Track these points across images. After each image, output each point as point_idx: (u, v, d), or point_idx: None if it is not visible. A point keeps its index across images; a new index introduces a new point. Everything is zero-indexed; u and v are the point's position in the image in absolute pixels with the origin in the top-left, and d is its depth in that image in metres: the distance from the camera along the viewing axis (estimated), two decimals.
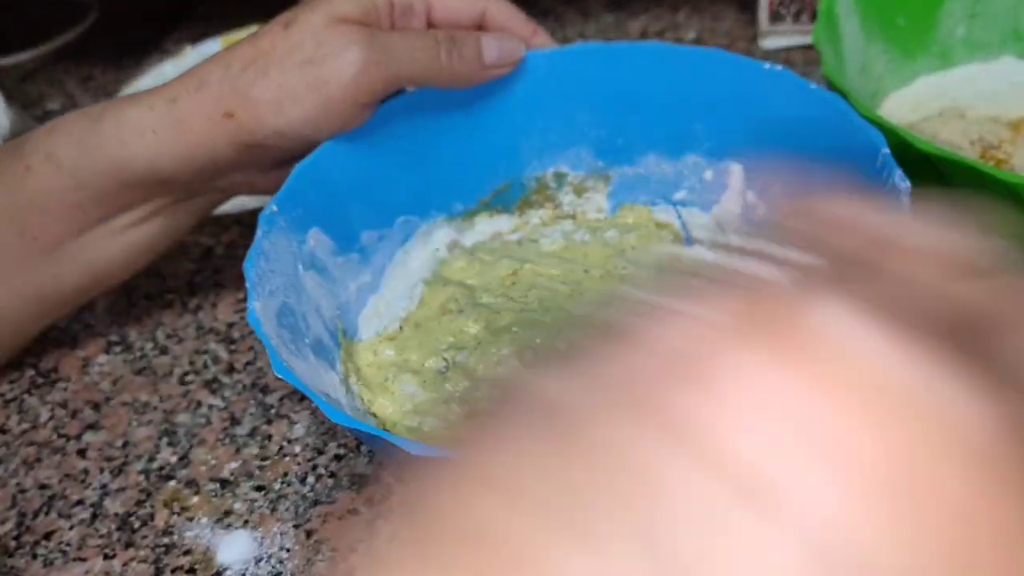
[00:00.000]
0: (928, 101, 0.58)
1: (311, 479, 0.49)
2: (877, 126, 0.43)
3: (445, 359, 0.48)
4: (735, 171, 0.52)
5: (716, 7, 0.86)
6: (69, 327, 0.62)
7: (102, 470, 0.51)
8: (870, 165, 0.42)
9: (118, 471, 0.51)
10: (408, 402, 0.46)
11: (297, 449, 0.50)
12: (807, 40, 0.76)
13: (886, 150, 0.41)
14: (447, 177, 0.55)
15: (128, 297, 0.64)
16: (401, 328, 0.51)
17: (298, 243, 0.47)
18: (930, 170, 0.43)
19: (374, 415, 0.46)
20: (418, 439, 0.44)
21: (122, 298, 0.64)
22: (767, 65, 0.48)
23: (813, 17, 0.74)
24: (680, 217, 0.55)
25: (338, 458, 0.49)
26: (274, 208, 0.46)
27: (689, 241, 0.55)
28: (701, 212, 0.54)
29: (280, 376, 0.36)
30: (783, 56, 0.77)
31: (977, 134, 0.50)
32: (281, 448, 0.51)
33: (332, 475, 0.49)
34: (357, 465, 0.49)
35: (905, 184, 0.39)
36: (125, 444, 0.53)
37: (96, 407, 0.55)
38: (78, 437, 0.54)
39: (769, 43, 0.77)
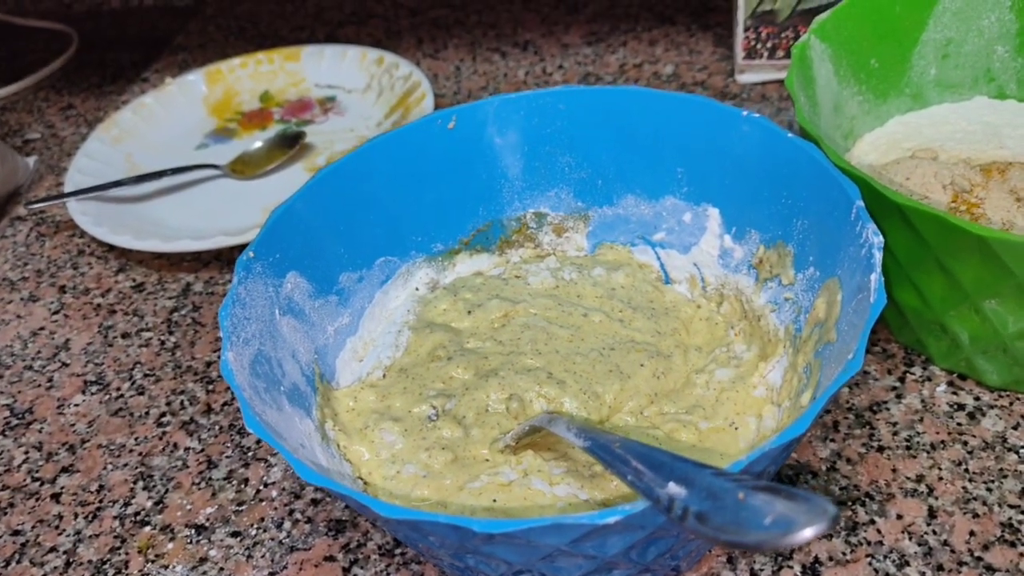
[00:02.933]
0: (902, 142, 0.58)
1: (287, 524, 0.48)
2: (850, 176, 0.44)
3: (434, 406, 0.48)
4: (713, 215, 0.52)
5: (693, 42, 0.87)
6: (45, 367, 0.61)
7: (76, 515, 0.51)
8: (844, 216, 0.42)
9: (93, 516, 0.51)
10: (386, 450, 0.46)
11: (274, 493, 0.50)
12: (782, 75, 0.77)
13: (860, 202, 0.41)
14: (427, 218, 0.55)
15: (105, 336, 0.63)
16: (384, 375, 0.51)
17: (275, 288, 0.47)
18: (901, 217, 0.43)
19: (350, 462, 0.45)
20: (393, 488, 0.44)
21: (99, 336, 0.63)
22: (745, 112, 0.49)
23: (788, 54, 0.75)
24: (659, 258, 0.56)
25: (315, 502, 0.49)
26: (251, 254, 0.45)
27: (668, 281, 0.55)
28: (680, 254, 0.55)
29: (251, 430, 0.36)
30: (759, 91, 0.78)
31: (949, 178, 0.51)
32: (258, 492, 0.50)
33: (309, 520, 0.48)
34: (334, 510, 0.49)
35: (878, 239, 0.39)
36: (100, 488, 0.52)
37: (72, 449, 0.55)
38: (53, 481, 0.53)
39: (745, 78, 0.78)
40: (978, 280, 0.43)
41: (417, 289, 0.56)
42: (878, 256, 0.39)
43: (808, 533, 0.25)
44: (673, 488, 0.30)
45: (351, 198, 0.52)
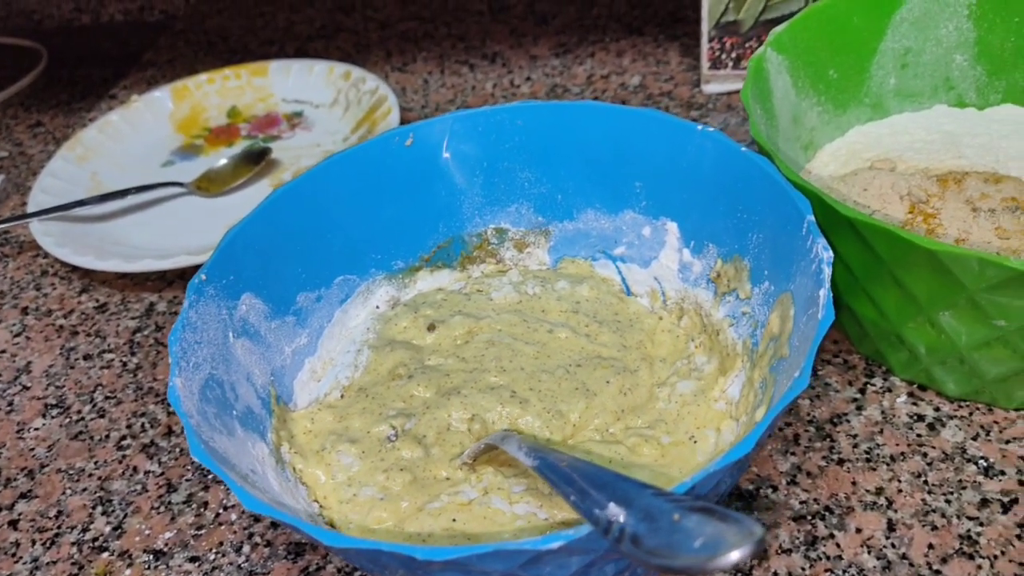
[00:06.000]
0: (862, 152, 0.58)
1: (247, 548, 0.48)
2: (802, 190, 0.44)
3: (394, 426, 0.48)
4: (671, 228, 0.52)
5: (661, 52, 0.87)
6: (5, 390, 0.61)
7: (34, 542, 0.50)
8: (796, 230, 0.42)
9: (50, 543, 0.50)
10: (343, 473, 0.46)
11: (233, 516, 0.50)
12: None
13: (811, 217, 0.41)
14: (387, 235, 0.55)
15: (67, 358, 0.63)
16: (342, 395, 0.51)
17: (229, 310, 0.46)
18: (854, 231, 0.43)
19: (306, 485, 0.45)
20: (349, 512, 0.44)
21: (61, 358, 0.63)
22: (700, 127, 0.49)
23: None
24: (620, 272, 0.55)
25: (275, 526, 0.49)
26: (203, 277, 0.45)
27: (629, 294, 0.55)
28: (640, 268, 0.54)
29: (196, 459, 0.36)
30: (725, 100, 0.78)
31: (906, 189, 0.51)
32: (217, 516, 0.50)
33: (268, 544, 0.48)
34: (293, 533, 0.48)
35: (828, 254, 0.39)
36: (59, 514, 0.52)
37: (30, 474, 0.54)
38: (10, 507, 0.52)
39: (711, 88, 0.78)
40: (931, 293, 0.43)
41: (377, 307, 0.55)
42: (827, 271, 0.39)
43: (734, 556, 0.25)
44: (613, 509, 0.30)
45: (308, 217, 0.51)
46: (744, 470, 0.45)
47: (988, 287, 0.40)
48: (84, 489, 0.53)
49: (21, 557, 0.49)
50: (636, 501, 0.30)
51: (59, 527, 0.51)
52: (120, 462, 0.54)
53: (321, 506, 0.44)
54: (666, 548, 0.27)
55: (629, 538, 0.28)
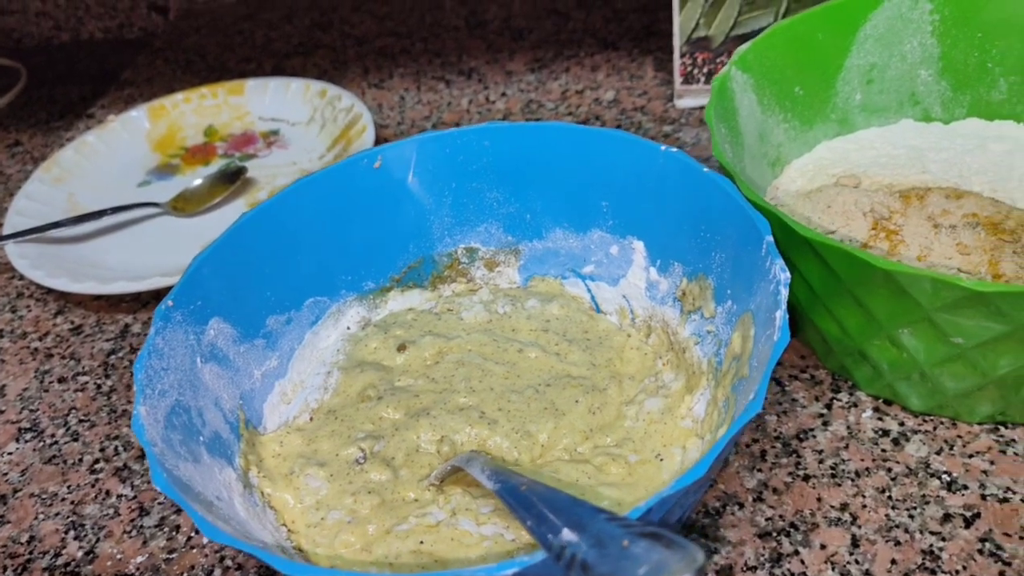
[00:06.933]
0: (829, 167, 0.59)
1: (218, 572, 0.48)
2: (762, 210, 0.44)
3: (362, 449, 0.48)
4: (638, 247, 0.53)
5: (635, 67, 0.88)
6: None
7: (5, 568, 0.50)
8: (756, 251, 0.42)
9: (22, 569, 0.50)
10: (311, 496, 0.46)
11: (205, 540, 0.50)
12: None
13: (770, 238, 0.41)
14: (357, 257, 0.55)
15: (41, 381, 0.63)
16: (311, 418, 0.51)
17: (196, 336, 0.46)
18: (812, 251, 0.44)
19: (275, 509, 0.45)
20: (317, 536, 0.44)
21: (35, 381, 0.63)
22: (663, 147, 0.49)
23: None
24: (589, 291, 0.56)
25: None
26: (170, 303, 0.45)
27: (599, 311, 0.56)
28: (609, 286, 0.55)
29: (159, 488, 0.36)
30: (698, 115, 0.78)
31: (869, 205, 0.51)
32: (189, 539, 0.50)
33: (239, 567, 0.48)
34: None
35: (785, 275, 0.39)
36: (31, 539, 0.52)
37: (3, 500, 0.54)
38: None
39: (684, 103, 0.79)
40: (890, 312, 0.43)
41: (348, 328, 0.56)
42: (784, 293, 0.39)
43: None
44: (567, 535, 0.31)
45: (277, 241, 0.52)
46: (705, 490, 0.46)
47: (943, 306, 0.40)
48: (57, 514, 0.53)
49: None
50: (589, 526, 0.31)
51: (31, 552, 0.51)
52: (93, 486, 0.54)
53: (289, 530, 0.45)
54: (613, 575, 0.27)
55: (580, 564, 0.29)
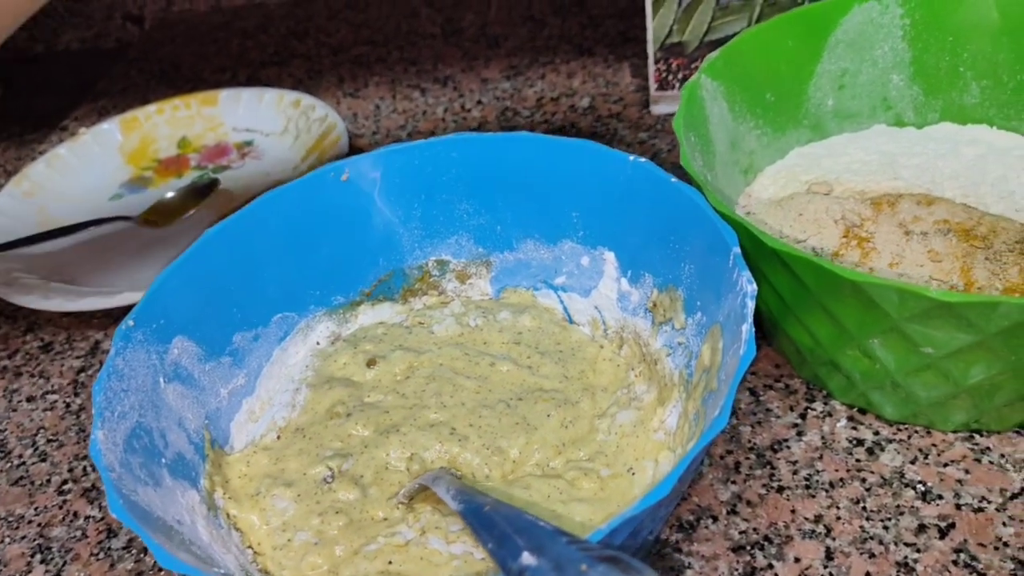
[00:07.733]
0: (802, 174, 0.59)
1: None
2: (730, 221, 0.44)
3: (330, 467, 0.47)
4: (609, 258, 0.52)
5: (611, 73, 0.87)
6: None
7: None
8: (723, 262, 0.42)
9: None
10: (278, 517, 0.45)
11: None
12: None
13: (736, 249, 0.41)
14: (325, 271, 0.54)
15: (10, 400, 0.62)
16: (279, 436, 0.50)
17: (159, 355, 0.46)
18: (780, 261, 0.43)
19: (240, 531, 0.44)
20: (283, 558, 0.43)
21: (3, 401, 0.62)
22: (631, 157, 0.49)
23: None
24: (562, 302, 0.55)
25: None
26: (131, 322, 0.45)
27: (572, 322, 0.55)
28: (581, 297, 0.54)
29: (115, 516, 0.35)
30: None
31: (840, 213, 0.51)
32: (156, 562, 0.49)
33: None
34: None
35: (752, 287, 0.39)
36: None
37: None
38: None
39: (659, 109, 0.78)
40: (859, 322, 0.43)
41: (318, 343, 0.55)
42: (750, 305, 0.39)
43: None
44: (526, 558, 0.30)
45: (242, 256, 0.51)
46: (675, 504, 0.45)
47: (912, 316, 0.40)
48: (23, 537, 0.52)
49: None
50: (549, 550, 0.30)
51: None
52: (60, 507, 0.54)
53: (255, 552, 0.44)
54: None
55: None
